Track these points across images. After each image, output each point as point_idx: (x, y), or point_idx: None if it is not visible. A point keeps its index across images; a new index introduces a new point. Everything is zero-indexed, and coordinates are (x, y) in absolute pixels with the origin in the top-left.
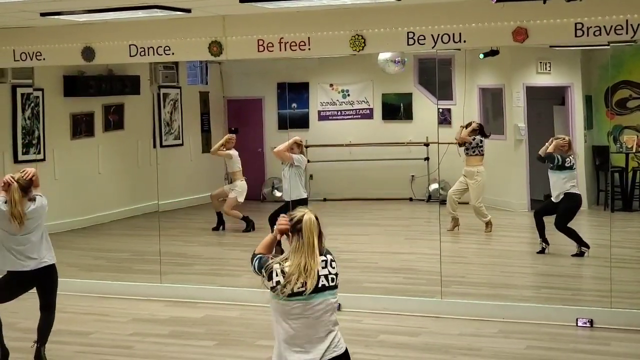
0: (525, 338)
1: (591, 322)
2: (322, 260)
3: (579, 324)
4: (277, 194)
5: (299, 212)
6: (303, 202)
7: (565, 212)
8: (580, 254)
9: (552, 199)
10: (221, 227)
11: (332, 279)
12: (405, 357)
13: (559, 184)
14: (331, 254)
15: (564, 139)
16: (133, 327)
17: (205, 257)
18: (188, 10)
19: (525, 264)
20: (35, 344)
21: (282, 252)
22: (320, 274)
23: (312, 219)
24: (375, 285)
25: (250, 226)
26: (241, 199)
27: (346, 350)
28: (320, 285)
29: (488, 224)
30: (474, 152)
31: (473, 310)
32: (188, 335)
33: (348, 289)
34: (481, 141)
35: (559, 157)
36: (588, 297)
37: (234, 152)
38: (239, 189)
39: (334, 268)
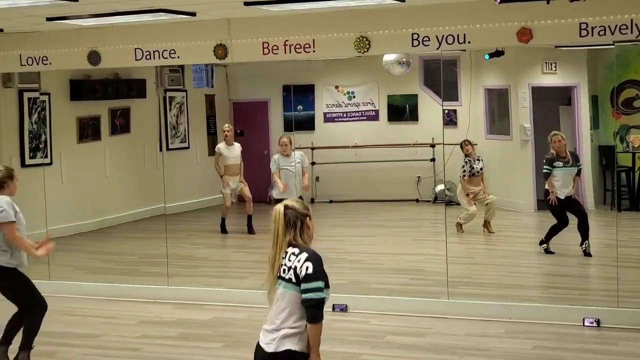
0: (532, 338)
1: (598, 322)
2: (286, 252)
3: (585, 324)
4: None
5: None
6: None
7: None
8: (589, 254)
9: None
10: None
11: (284, 271)
12: (412, 358)
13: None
14: (298, 248)
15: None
16: (141, 329)
17: (212, 260)
18: (193, 14)
19: (532, 264)
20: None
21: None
22: (283, 264)
23: (279, 210)
24: (382, 286)
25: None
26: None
27: (276, 353)
28: (280, 275)
29: (489, 223)
30: (479, 173)
31: (480, 311)
32: (196, 337)
33: (355, 290)
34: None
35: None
36: (595, 297)
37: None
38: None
39: (290, 261)
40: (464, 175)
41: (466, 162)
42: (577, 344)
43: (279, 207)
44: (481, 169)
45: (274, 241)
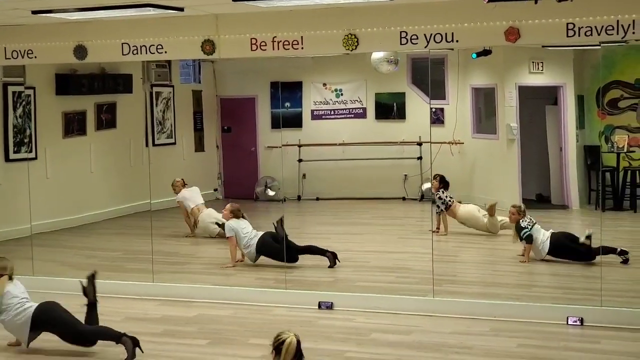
0: (516, 336)
1: (581, 320)
2: None
3: (569, 323)
4: (270, 193)
5: (284, 334)
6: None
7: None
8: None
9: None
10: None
11: None
12: (398, 355)
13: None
14: None
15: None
16: (126, 326)
17: (197, 256)
18: (181, 9)
19: (517, 263)
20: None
21: None
22: None
23: (292, 342)
24: (368, 284)
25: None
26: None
27: None
28: None
29: None
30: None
31: (465, 309)
32: (181, 334)
33: (341, 288)
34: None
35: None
36: (578, 296)
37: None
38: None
39: None
40: (440, 210)
41: (439, 198)
42: (560, 342)
43: (292, 339)
44: (450, 198)
45: None
